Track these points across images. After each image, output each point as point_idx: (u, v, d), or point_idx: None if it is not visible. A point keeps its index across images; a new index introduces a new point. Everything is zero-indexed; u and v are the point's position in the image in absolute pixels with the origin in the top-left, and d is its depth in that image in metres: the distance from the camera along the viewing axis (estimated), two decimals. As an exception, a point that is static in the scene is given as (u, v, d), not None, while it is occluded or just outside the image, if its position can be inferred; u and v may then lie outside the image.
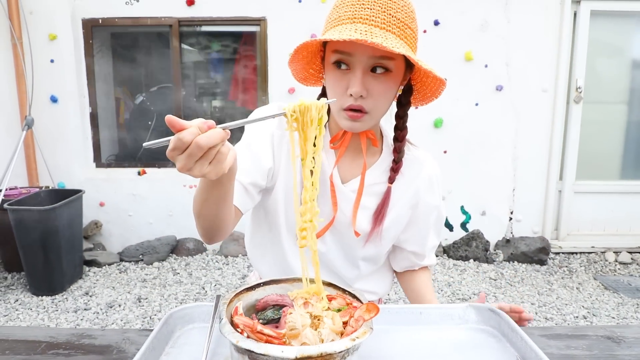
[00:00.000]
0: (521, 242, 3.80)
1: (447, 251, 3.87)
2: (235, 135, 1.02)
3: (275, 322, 0.73)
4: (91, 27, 3.75)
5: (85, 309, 2.86)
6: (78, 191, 3.32)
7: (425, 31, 3.68)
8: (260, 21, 3.74)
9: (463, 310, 0.86)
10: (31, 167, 3.71)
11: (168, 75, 3.93)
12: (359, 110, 0.91)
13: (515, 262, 3.74)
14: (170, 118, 0.62)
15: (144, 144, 0.63)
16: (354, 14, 0.86)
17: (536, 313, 2.89)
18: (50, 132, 3.73)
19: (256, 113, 1.01)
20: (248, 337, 0.63)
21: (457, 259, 3.78)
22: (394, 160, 1.03)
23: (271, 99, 3.83)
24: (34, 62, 3.64)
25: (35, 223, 2.91)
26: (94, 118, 3.88)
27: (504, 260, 3.76)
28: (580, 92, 3.87)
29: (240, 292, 0.74)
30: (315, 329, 0.65)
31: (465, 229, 3.94)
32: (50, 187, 3.57)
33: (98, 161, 3.92)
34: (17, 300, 2.98)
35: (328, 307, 0.70)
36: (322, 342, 0.63)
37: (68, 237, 3.12)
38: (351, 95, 0.89)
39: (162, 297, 3.06)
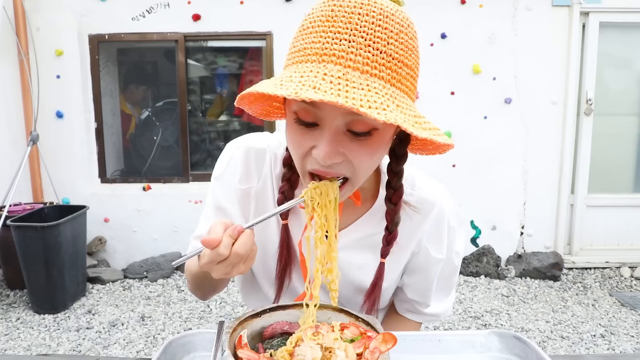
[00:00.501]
0: (533, 257, 3.71)
1: (457, 267, 3.78)
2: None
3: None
4: (97, 43, 3.76)
5: (87, 328, 2.80)
6: (82, 207, 3.29)
7: (432, 44, 3.65)
8: (266, 36, 3.73)
9: (485, 337, 0.80)
10: (36, 183, 3.69)
11: (174, 90, 3.92)
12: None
13: (528, 278, 3.64)
14: (206, 241, 0.62)
15: (173, 263, 0.65)
16: (325, 49, 0.61)
17: (551, 331, 2.79)
18: (56, 148, 3.72)
19: (246, 140, 0.90)
20: (253, 371, 0.57)
21: (468, 275, 3.69)
22: (387, 228, 0.81)
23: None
24: (40, 77, 3.64)
25: (38, 240, 2.87)
26: (99, 133, 3.87)
27: (516, 276, 3.67)
28: (591, 104, 3.81)
29: (245, 320, 0.69)
30: (327, 363, 0.59)
31: (476, 244, 3.85)
32: (54, 203, 3.54)
33: (103, 176, 3.90)
34: (18, 319, 2.92)
35: (340, 337, 0.64)
36: (335, 377, 0.57)
37: (71, 254, 3.07)
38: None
39: (167, 315, 2.99)
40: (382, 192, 0.85)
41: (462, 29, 3.68)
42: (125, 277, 3.61)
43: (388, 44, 0.62)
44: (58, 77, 3.69)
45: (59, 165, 3.73)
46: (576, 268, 3.82)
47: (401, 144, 0.76)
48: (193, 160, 3.97)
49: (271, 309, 0.73)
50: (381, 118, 0.55)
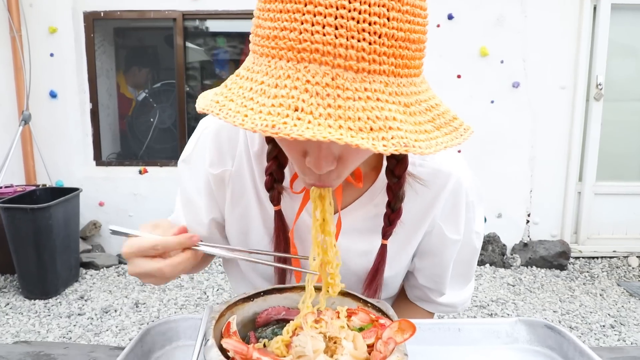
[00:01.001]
0: (540, 245, 3.62)
1: (460, 255, 3.69)
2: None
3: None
4: (93, 20, 3.63)
5: (79, 314, 2.71)
6: (75, 189, 3.19)
7: (438, 25, 3.52)
8: (266, 14, 3.59)
9: (511, 326, 0.70)
10: (28, 165, 3.58)
11: (172, 71, 3.80)
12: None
13: (534, 267, 3.55)
14: (149, 225, 0.58)
15: (110, 227, 0.60)
16: (304, 40, 0.45)
17: (559, 321, 2.71)
18: (49, 129, 3.61)
19: (201, 127, 0.80)
20: (241, 365, 0.47)
21: (472, 264, 3.60)
22: (389, 205, 0.69)
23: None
24: (33, 55, 3.51)
25: (28, 222, 2.77)
26: (94, 114, 3.75)
27: (522, 265, 3.58)
28: (601, 89, 3.69)
29: (234, 304, 0.58)
30: (331, 356, 0.49)
31: (480, 232, 3.76)
32: (47, 186, 3.44)
33: (98, 159, 3.79)
34: (7, 304, 2.83)
35: (347, 325, 0.54)
36: (341, 373, 0.47)
37: (63, 237, 2.98)
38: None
39: (162, 302, 2.91)
40: (386, 165, 0.72)
41: (470, 10, 3.55)
42: (120, 262, 3.52)
43: (389, 19, 0.45)
44: (52, 55, 3.56)
45: (52, 147, 3.62)
46: (583, 257, 3.73)
47: None
48: (191, 143, 3.87)
49: (266, 292, 0.62)
50: (388, 150, 0.42)
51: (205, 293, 3.05)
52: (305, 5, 0.45)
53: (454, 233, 0.78)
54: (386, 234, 0.70)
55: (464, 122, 0.53)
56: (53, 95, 3.60)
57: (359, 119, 0.43)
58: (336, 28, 0.44)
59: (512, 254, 3.68)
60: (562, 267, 3.53)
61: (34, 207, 2.77)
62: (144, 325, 2.59)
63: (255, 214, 0.77)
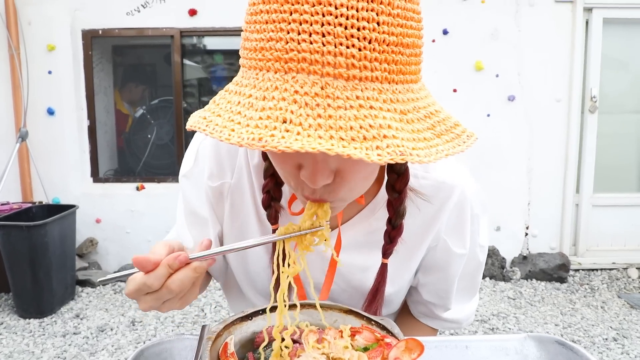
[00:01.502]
0: (539, 258, 3.60)
1: (460, 269, 3.67)
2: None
3: None
4: (91, 38, 3.65)
5: (74, 333, 2.67)
6: (71, 206, 3.16)
7: (434, 40, 3.55)
8: (263, 31, 3.62)
9: (520, 343, 0.68)
10: (25, 182, 3.56)
11: (169, 88, 3.81)
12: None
13: (534, 280, 3.53)
14: (137, 259, 0.50)
15: (99, 280, 0.56)
16: (290, 50, 0.44)
17: (562, 335, 2.68)
18: (46, 146, 3.60)
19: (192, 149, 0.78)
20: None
21: (471, 277, 3.58)
22: (389, 222, 0.67)
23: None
24: (31, 73, 3.52)
25: (24, 240, 2.75)
26: (92, 131, 3.75)
27: (522, 278, 3.56)
28: (595, 102, 3.72)
29: (232, 323, 0.57)
30: (334, 377, 0.48)
31: (479, 246, 3.74)
32: (43, 203, 3.42)
33: (95, 176, 3.78)
34: (1, 324, 2.79)
35: (351, 345, 0.53)
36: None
37: (59, 255, 2.95)
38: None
39: (158, 320, 2.87)
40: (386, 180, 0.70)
41: (465, 25, 3.59)
42: (119, 280, 3.48)
43: (379, 24, 0.43)
44: (50, 72, 3.58)
45: (49, 164, 3.61)
46: (582, 269, 3.72)
47: None
48: (188, 159, 3.86)
49: (264, 311, 0.61)
50: (383, 160, 0.40)
51: (202, 310, 3.02)
52: (291, 14, 0.43)
53: (460, 247, 0.76)
54: (387, 252, 0.68)
55: (467, 129, 0.52)
56: (51, 112, 3.60)
57: (351, 128, 0.41)
58: (323, 35, 0.43)
59: (511, 267, 3.66)
60: (562, 280, 3.51)
61: (29, 225, 2.75)
62: (140, 344, 2.55)
63: (254, 230, 0.76)
